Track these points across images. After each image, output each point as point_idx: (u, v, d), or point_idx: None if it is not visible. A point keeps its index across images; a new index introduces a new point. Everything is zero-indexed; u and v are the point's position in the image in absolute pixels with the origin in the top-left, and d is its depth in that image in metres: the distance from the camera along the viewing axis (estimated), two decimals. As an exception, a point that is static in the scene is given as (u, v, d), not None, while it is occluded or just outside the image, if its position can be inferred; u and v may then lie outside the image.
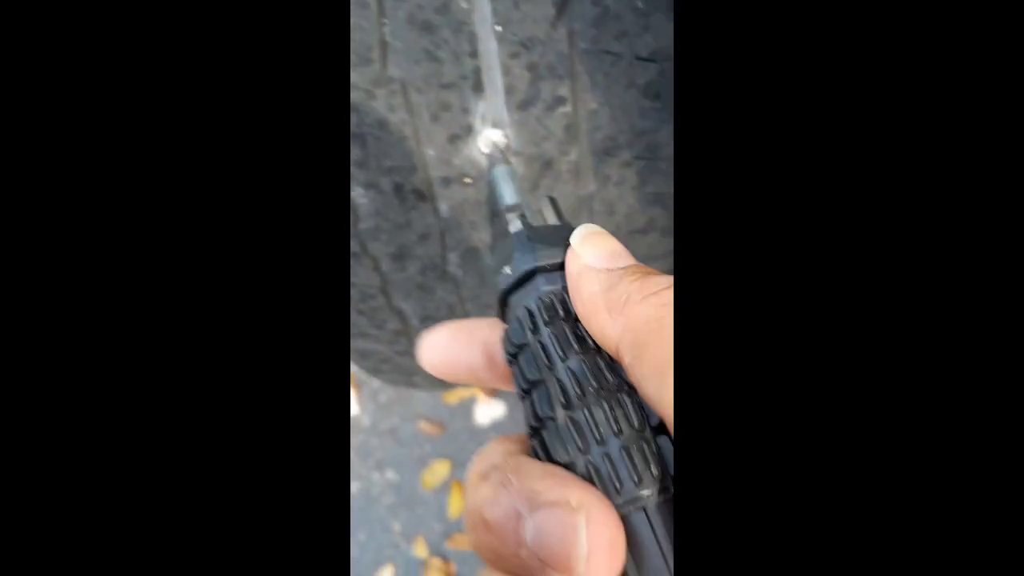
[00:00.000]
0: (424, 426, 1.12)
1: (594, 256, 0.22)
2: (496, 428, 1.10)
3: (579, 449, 0.21)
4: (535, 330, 0.23)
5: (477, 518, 0.20)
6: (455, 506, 1.06)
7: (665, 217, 0.48)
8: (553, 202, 0.28)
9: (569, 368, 0.22)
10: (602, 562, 0.18)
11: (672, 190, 0.46)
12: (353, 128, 0.40)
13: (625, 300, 0.20)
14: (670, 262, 0.52)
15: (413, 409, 1.14)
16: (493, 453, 0.22)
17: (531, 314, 0.24)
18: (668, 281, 0.20)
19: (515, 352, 0.24)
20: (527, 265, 0.24)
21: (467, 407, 1.11)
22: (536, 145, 0.42)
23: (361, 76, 0.38)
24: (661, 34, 0.39)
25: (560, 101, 0.40)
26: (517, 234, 0.26)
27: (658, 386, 0.19)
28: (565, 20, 0.37)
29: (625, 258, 0.22)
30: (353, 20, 0.36)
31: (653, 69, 0.40)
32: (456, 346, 0.26)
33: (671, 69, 0.40)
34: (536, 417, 0.22)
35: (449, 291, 0.50)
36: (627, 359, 0.20)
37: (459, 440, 1.10)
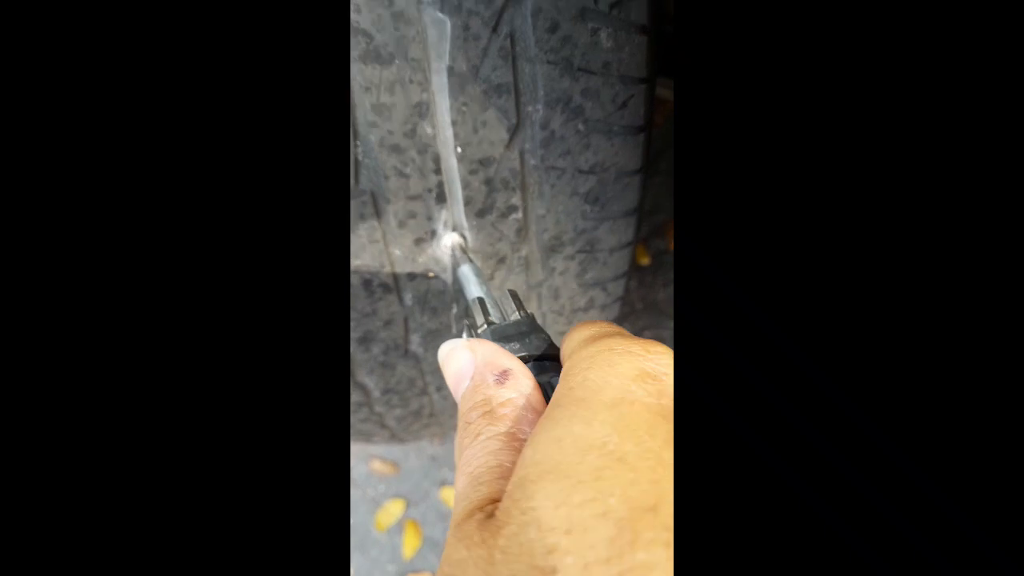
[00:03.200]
0: (377, 466, 1.14)
1: None
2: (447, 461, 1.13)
3: None
4: None
5: None
6: (409, 545, 1.08)
7: (603, 296, 0.54)
8: (514, 296, 0.31)
9: None
10: None
11: (608, 276, 0.52)
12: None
13: None
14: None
15: (366, 450, 1.16)
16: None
17: None
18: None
19: None
20: None
21: (420, 446, 1.14)
22: (491, 245, 0.47)
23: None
24: (600, 150, 0.45)
25: (513, 209, 0.45)
26: (483, 333, 0.29)
27: None
28: (517, 142, 0.43)
29: None
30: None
31: (592, 179, 0.46)
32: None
33: (608, 178, 0.46)
34: None
35: (410, 367, 0.55)
36: None
37: (413, 478, 1.13)
